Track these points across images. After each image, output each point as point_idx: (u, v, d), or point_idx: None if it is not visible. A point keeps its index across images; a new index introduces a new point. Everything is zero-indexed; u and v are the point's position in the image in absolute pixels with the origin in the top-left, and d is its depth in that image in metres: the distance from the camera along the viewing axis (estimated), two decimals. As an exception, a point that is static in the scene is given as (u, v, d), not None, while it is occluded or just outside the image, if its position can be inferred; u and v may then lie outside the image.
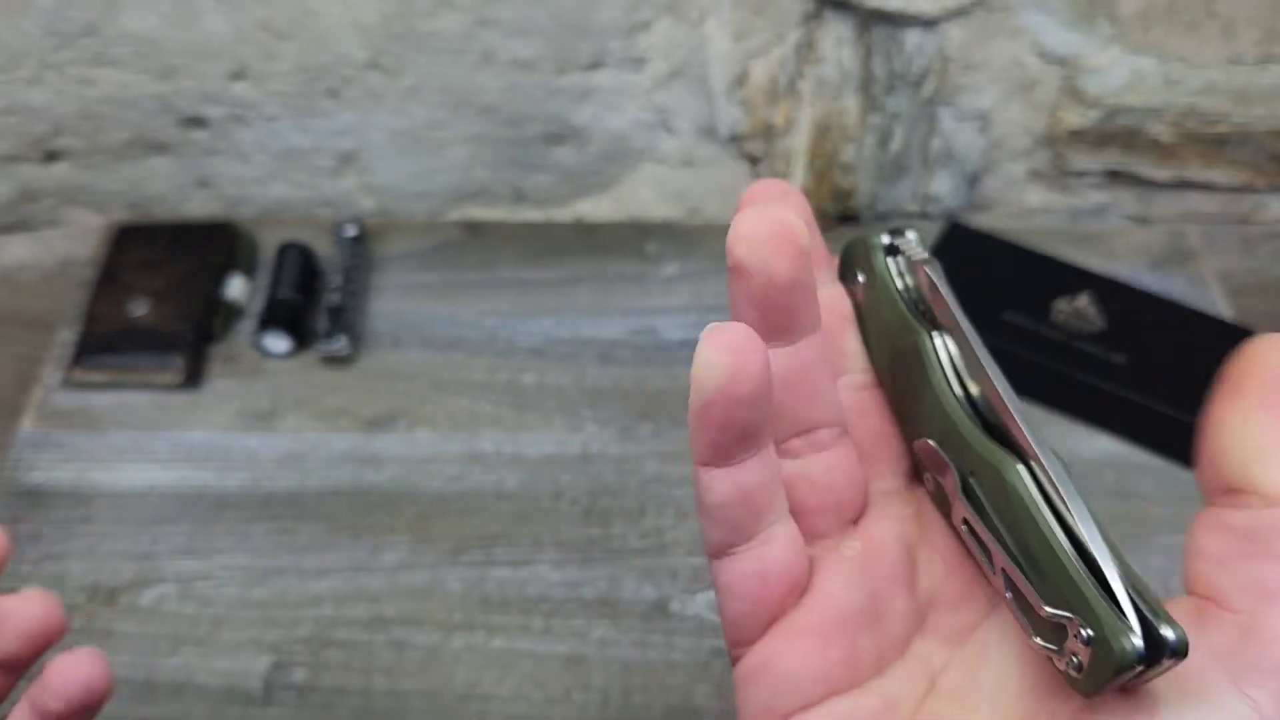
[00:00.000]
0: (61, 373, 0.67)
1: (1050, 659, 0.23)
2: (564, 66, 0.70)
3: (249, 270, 0.72)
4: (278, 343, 0.68)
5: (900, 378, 0.27)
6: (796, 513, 0.26)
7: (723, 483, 0.24)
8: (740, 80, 0.71)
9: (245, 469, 0.63)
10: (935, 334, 0.26)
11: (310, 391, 0.67)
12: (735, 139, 0.75)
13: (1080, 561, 0.23)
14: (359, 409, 0.66)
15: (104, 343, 0.67)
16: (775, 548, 0.25)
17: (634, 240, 0.76)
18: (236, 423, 0.65)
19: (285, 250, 0.71)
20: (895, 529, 0.27)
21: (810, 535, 0.26)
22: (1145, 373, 0.63)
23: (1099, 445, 0.64)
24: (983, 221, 0.79)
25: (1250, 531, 0.23)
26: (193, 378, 0.66)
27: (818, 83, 0.69)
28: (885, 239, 0.28)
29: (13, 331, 0.79)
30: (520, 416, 0.65)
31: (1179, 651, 0.21)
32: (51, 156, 0.76)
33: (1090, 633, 0.22)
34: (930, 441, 0.26)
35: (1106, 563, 0.22)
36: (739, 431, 0.23)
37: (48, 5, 0.66)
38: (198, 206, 0.79)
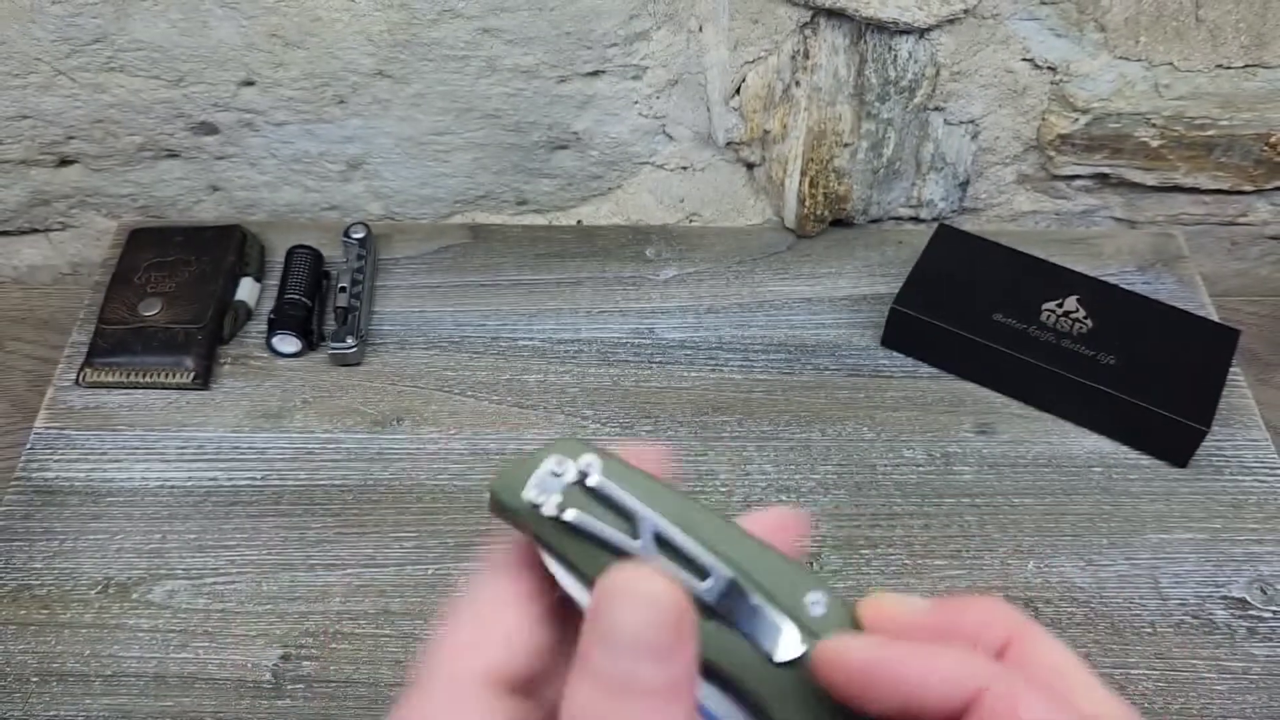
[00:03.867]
0: (74, 372, 0.68)
1: None
2: (565, 74, 0.72)
3: (259, 273, 0.74)
4: (287, 343, 0.69)
5: None
6: None
7: None
8: (737, 88, 0.73)
9: (255, 467, 0.64)
10: None
11: (318, 391, 0.68)
12: (732, 145, 0.76)
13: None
14: (366, 408, 0.67)
15: (116, 343, 0.68)
16: None
17: (633, 244, 0.77)
18: (246, 422, 0.66)
19: (294, 253, 0.73)
20: None
21: None
22: (1133, 373, 0.64)
23: (1088, 444, 0.66)
24: (974, 225, 0.80)
25: None
26: (203, 378, 0.68)
27: (812, 90, 0.71)
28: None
29: (26, 332, 0.81)
30: (523, 415, 0.67)
31: None
32: (64, 161, 0.77)
33: None
34: None
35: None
36: None
37: (59, 12, 0.67)
38: (208, 210, 0.81)
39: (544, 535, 0.25)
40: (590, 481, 0.26)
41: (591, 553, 0.25)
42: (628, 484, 0.26)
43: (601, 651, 0.22)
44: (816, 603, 0.25)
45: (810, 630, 0.25)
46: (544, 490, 0.26)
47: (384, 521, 0.62)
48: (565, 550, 0.25)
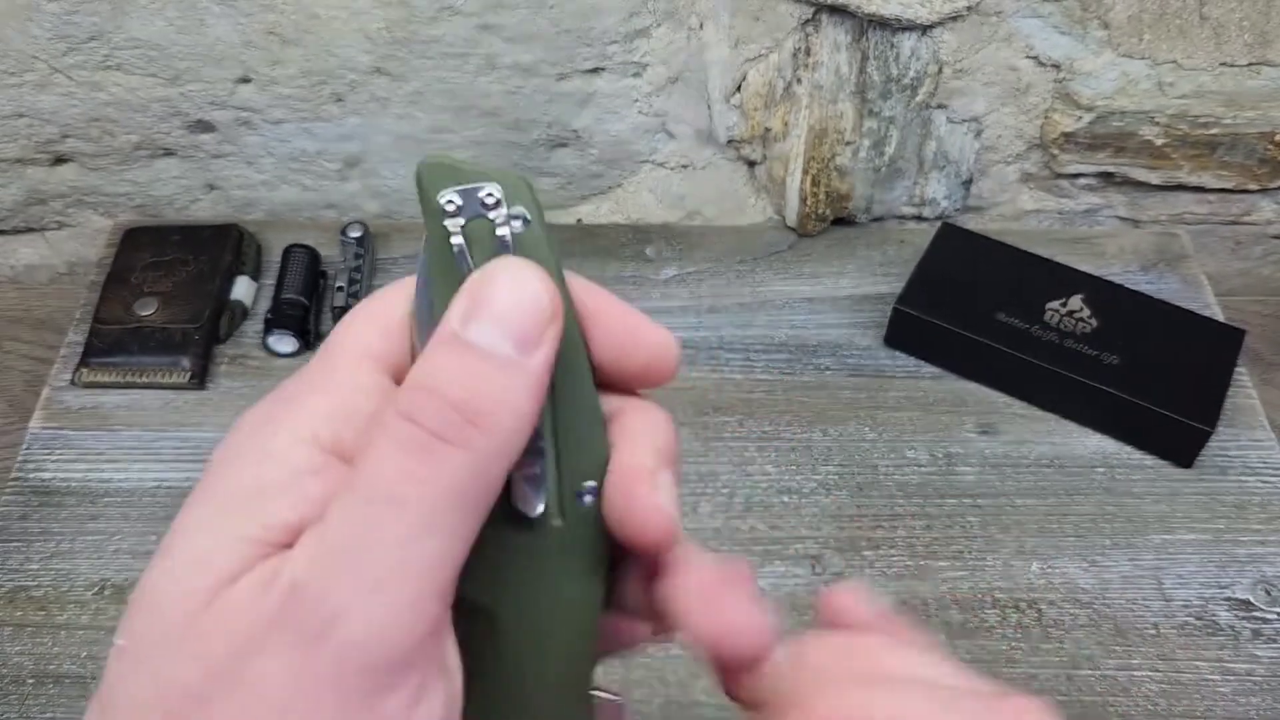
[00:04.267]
0: (70, 373, 0.68)
1: None
2: (565, 72, 0.71)
3: (255, 272, 0.73)
4: (284, 343, 0.69)
5: None
6: None
7: None
8: (738, 85, 0.72)
9: (252, 467, 0.64)
10: None
11: (315, 391, 0.68)
12: (733, 143, 0.76)
13: None
14: (363, 408, 0.67)
15: (112, 343, 0.68)
16: None
17: (634, 243, 0.77)
18: (243, 422, 0.66)
19: (291, 252, 0.72)
20: None
21: None
22: (1137, 373, 0.64)
23: (1091, 444, 0.65)
24: (977, 224, 0.80)
25: None
26: (200, 377, 0.67)
27: (814, 88, 0.70)
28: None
29: (22, 332, 0.81)
30: (522, 416, 0.66)
31: None
32: (60, 159, 0.77)
33: None
34: None
35: None
36: None
37: (56, 10, 0.67)
38: (205, 209, 0.80)
39: (431, 239, 0.24)
40: (499, 231, 0.24)
41: (455, 286, 0.23)
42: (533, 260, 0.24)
43: (465, 319, 0.22)
44: (590, 494, 0.25)
45: (561, 510, 0.25)
46: (458, 204, 0.24)
47: (382, 522, 0.61)
48: (435, 266, 0.24)
